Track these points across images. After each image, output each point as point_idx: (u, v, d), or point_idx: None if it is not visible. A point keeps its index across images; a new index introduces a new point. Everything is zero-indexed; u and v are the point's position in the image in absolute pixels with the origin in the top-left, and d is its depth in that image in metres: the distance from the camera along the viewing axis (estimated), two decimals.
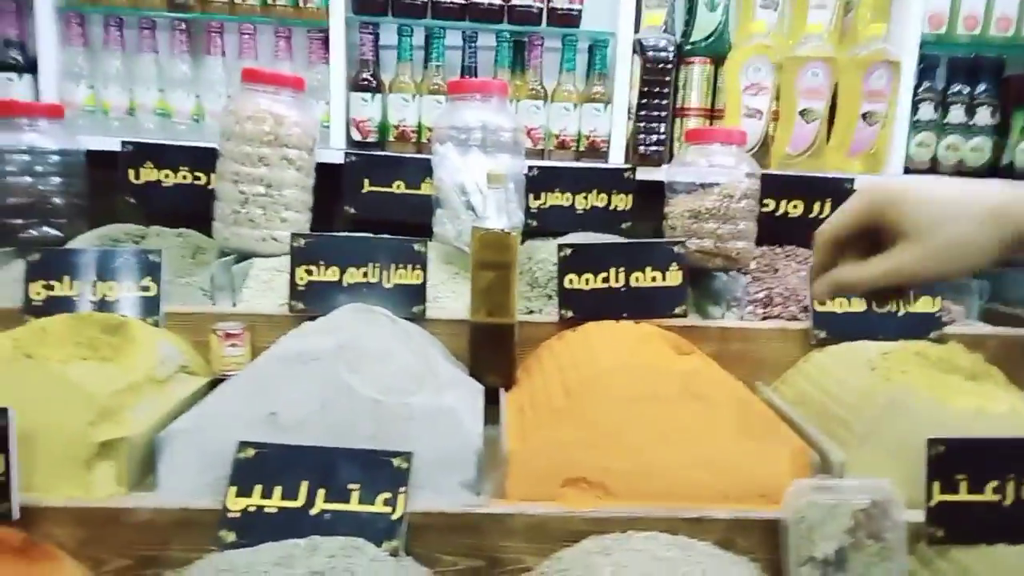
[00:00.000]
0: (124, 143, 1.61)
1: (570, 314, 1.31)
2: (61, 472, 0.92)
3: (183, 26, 1.75)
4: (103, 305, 1.25)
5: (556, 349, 1.23)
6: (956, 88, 1.82)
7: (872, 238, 0.66)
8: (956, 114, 1.81)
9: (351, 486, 0.89)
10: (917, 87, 1.79)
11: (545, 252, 1.47)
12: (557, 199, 1.68)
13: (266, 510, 0.88)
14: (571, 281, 1.32)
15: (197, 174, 1.61)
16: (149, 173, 1.61)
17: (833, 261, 0.70)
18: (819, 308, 1.33)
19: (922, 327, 1.32)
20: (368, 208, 1.66)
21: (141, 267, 1.27)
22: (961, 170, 1.82)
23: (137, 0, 1.74)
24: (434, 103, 1.76)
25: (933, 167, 1.82)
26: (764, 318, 1.42)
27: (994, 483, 0.92)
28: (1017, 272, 1.57)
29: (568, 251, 1.33)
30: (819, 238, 0.71)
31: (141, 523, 0.89)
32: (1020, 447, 0.92)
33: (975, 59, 1.84)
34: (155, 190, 1.62)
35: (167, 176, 1.61)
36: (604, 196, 1.68)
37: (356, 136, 1.77)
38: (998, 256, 0.63)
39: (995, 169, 1.85)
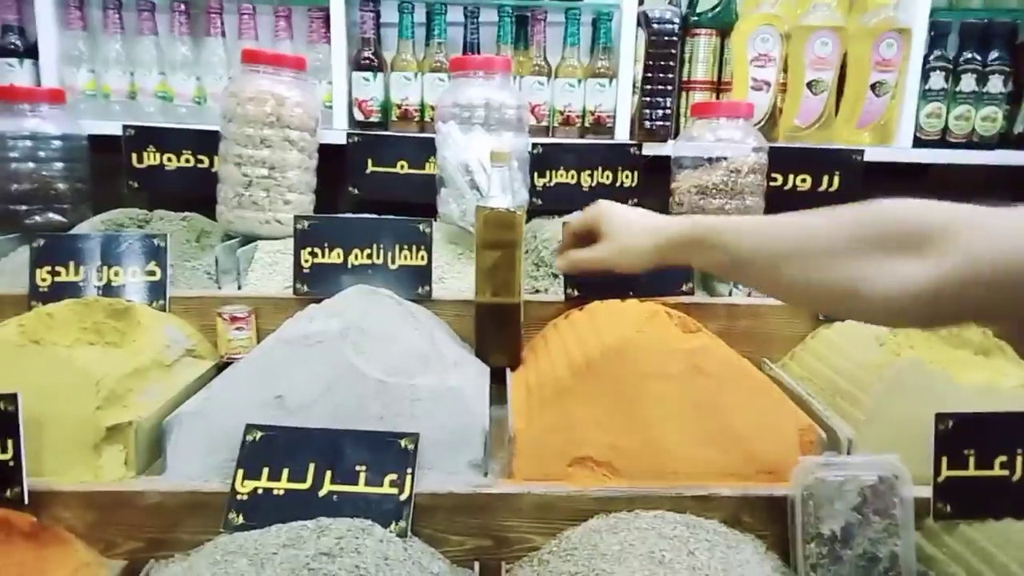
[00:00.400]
0: (126, 127, 1.61)
1: (576, 293, 1.31)
2: (70, 456, 0.93)
3: (183, 7, 1.73)
4: (109, 290, 1.25)
5: (562, 328, 1.22)
6: (968, 56, 1.79)
7: (594, 235, 1.01)
8: (967, 83, 1.77)
9: (358, 468, 0.89)
10: (928, 56, 1.76)
11: (550, 230, 1.46)
12: (562, 176, 1.66)
13: (274, 492, 0.88)
14: None
15: (200, 157, 1.61)
16: (152, 157, 1.61)
17: (570, 246, 1.06)
18: None
19: None
20: (372, 189, 1.65)
21: (146, 252, 1.27)
22: (972, 140, 1.79)
23: None
24: (437, 81, 1.74)
25: (944, 138, 1.79)
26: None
27: (1002, 458, 0.91)
28: None
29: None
30: (565, 229, 1.09)
31: (151, 506, 0.90)
32: None
33: (987, 25, 1.79)
34: (158, 174, 1.62)
35: (170, 160, 1.61)
36: (610, 173, 1.66)
37: (359, 116, 1.76)
38: (656, 259, 0.93)
39: (1006, 139, 1.82)
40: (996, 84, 1.77)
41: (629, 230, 0.96)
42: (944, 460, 0.91)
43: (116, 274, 1.26)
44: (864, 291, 0.67)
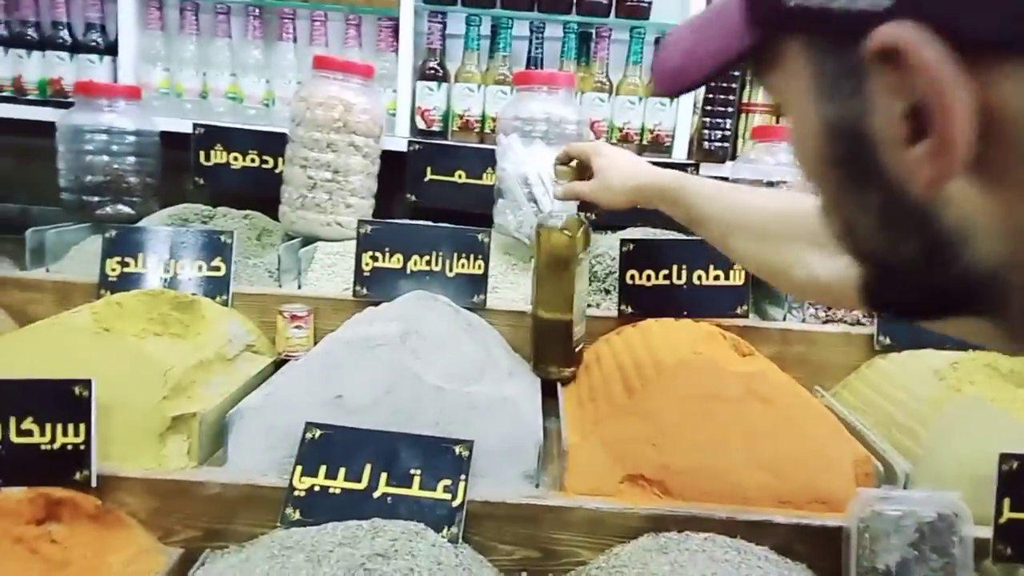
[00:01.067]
0: (196, 125, 1.66)
1: (630, 310, 1.31)
2: (136, 444, 0.96)
3: (256, 12, 1.79)
4: (174, 283, 1.29)
5: (615, 345, 1.23)
6: None
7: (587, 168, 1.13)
8: None
9: (413, 471, 0.91)
10: None
11: (605, 246, 1.47)
12: None
13: (330, 490, 0.90)
14: (632, 277, 1.31)
15: (265, 158, 1.65)
16: (219, 155, 1.65)
17: (571, 176, 1.15)
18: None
19: None
20: (429, 196, 1.67)
21: (213, 248, 1.31)
22: None
23: None
24: (499, 93, 1.77)
25: None
26: (825, 321, 1.39)
27: None
28: None
29: (631, 246, 1.32)
30: (560, 155, 1.17)
31: (210, 496, 0.92)
32: None
33: None
34: (224, 172, 1.66)
35: (236, 159, 1.65)
36: None
37: (421, 125, 1.79)
38: (631, 200, 1.06)
39: None
40: None
41: (614, 170, 1.07)
42: (1007, 501, 0.89)
43: (182, 268, 1.30)
44: (784, 273, 0.82)
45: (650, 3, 1.77)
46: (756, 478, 0.98)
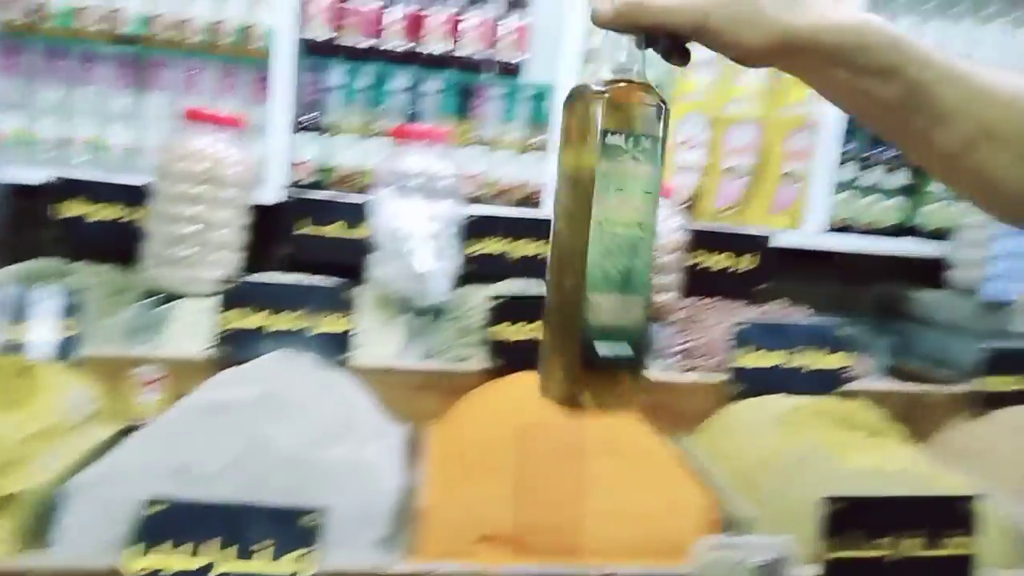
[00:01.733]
0: (53, 177, 1.58)
1: (499, 363, 1.33)
2: None
3: (127, 59, 1.74)
4: (16, 345, 1.21)
5: (478, 399, 1.24)
6: (876, 150, 1.93)
7: None
8: (874, 176, 1.92)
9: (261, 544, 0.88)
10: (844, 147, 1.89)
11: (477, 299, 1.49)
12: (492, 246, 1.70)
13: (166, 572, 0.86)
14: (500, 331, 1.33)
15: (127, 210, 1.59)
16: (77, 208, 1.58)
17: None
18: (735, 364, 1.37)
19: (831, 382, 1.37)
20: (305, 250, 1.65)
21: (61, 306, 1.24)
22: (871, 229, 1.92)
23: (79, 31, 1.72)
24: (376, 146, 1.78)
25: (849, 226, 1.92)
26: (686, 370, 1.45)
27: (886, 539, 0.96)
28: (922, 330, 1.65)
29: (499, 300, 1.35)
30: None
31: None
32: (908, 504, 0.97)
33: None
34: (82, 225, 1.59)
35: (95, 211, 1.58)
36: (536, 245, 1.71)
37: (296, 177, 1.78)
38: (780, 45, 0.58)
39: (903, 230, 1.96)
40: (899, 178, 1.92)
41: None
42: (829, 542, 0.95)
43: (26, 329, 1.23)
44: None
45: (520, 64, 1.84)
46: (610, 531, 1.01)
